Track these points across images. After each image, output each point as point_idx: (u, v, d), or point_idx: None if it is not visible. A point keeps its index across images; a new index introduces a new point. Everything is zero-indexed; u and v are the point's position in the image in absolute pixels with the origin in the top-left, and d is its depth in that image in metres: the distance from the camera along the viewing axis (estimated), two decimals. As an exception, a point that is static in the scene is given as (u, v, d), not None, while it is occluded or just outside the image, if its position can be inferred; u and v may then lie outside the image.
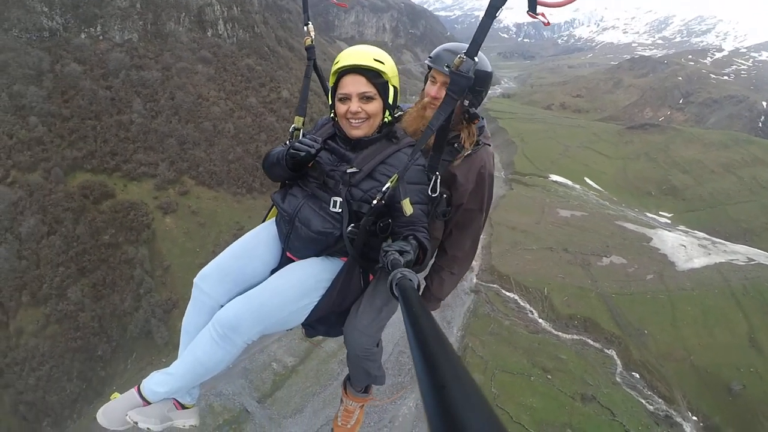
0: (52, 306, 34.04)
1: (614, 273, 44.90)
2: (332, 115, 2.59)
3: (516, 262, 45.98)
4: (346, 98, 2.44)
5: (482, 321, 39.49)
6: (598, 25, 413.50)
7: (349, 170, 2.46)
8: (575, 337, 38.24)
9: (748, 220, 58.81)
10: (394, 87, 2.52)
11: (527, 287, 42.57)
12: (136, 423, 2.43)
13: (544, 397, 32.49)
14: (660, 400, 33.13)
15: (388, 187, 2.29)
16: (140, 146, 46.09)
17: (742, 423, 31.07)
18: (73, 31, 50.52)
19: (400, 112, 2.80)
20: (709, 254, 49.23)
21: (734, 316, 38.91)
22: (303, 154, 2.36)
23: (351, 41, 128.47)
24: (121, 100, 48.05)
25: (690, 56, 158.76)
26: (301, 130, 2.82)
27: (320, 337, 3.03)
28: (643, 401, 32.90)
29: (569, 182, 69.27)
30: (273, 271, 2.63)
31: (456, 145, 2.76)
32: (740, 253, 49.87)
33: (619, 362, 36.03)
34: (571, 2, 1.96)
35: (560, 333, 38.58)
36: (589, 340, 37.87)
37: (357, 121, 2.46)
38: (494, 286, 43.52)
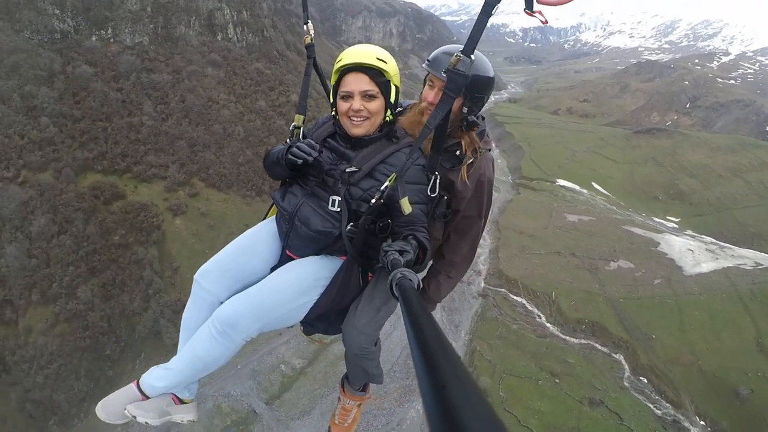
0: (62, 305, 34.16)
1: (622, 277, 44.93)
2: (333, 113, 2.61)
3: (524, 267, 46.08)
4: (348, 96, 2.44)
5: (490, 325, 39.58)
6: (605, 29, 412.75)
7: (348, 169, 2.47)
8: (583, 341, 38.30)
9: (755, 225, 58.51)
10: (396, 86, 2.53)
11: (535, 291, 42.60)
12: (135, 417, 2.45)
13: (551, 401, 32.55)
14: (668, 404, 33.17)
15: (386, 186, 2.30)
16: (151, 148, 46.42)
17: (750, 427, 31.05)
18: (84, 33, 51.01)
19: (399, 108, 2.81)
20: (717, 259, 49.25)
21: (742, 320, 38.85)
22: (300, 162, 2.39)
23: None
24: (131, 102, 48.45)
25: (696, 60, 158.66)
26: (302, 129, 2.83)
27: (328, 338, 3.08)
28: (651, 406, 32.94)
29: (576, 187, 69.33)
30: (273, 269, 2.63)
31: (458, 153, 2.72)
32: (748, 257, 49.82)
33: (626, 367, 36.09)
34: (568, 1, 1.95)
35: (568, 337, 38.63)
36: (596, 345, 37.94)
37: (358, 119, 2.46)
38: (502, 290, 43.64)
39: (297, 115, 2.79)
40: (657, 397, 33.72)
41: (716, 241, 54.84)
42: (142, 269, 38.40)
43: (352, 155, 2.52)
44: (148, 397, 2.53)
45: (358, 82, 2.41)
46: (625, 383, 34.73)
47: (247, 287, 2.48)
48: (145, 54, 52.79)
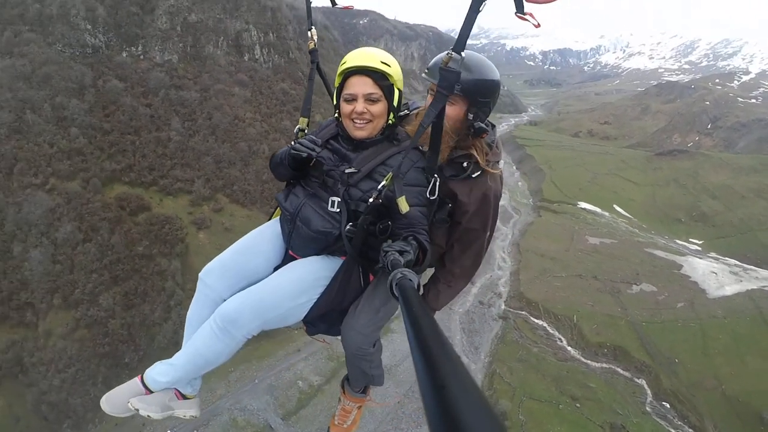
0: (83, 311, 34.68)
1: (644, 301, 44.29)
2: (336, 115, 2.60)
3: (545, 290, 45.72)
4: (351, 98, 2.45)
5: (510, 348, 39.24)
6: (624, 51, 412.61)
7: (347, 170, 2.47)
8: (605, 365, 37.71)
9: (780, 246, 57.25)
10: (399, 90, 2.53)
11: (556, 314, 42.16)
12: (137, 410, 2.49)
13: (572, 426, 32.06)
14: (690, 430, 32.46)
15: (383, 186, 2.30)
16: (177, 163, 47.48)
17: (774, 452, 30.13)
18: (115, 49, 52.82)
19: (406, 111, 2.81)
20: (741, 281, 48.44)
21: (766, 343, 38.05)
22: (304, 155, 2.40)
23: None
24: (160, 118, 49.79)
25: (717, 80, 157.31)
26: (306, 131, 2.85)
27: (329, 338, 3.05)
28: (674, 431, 32.24)
29: (598, 209, 68.82)
30: (277, 269, 2.64)
31: (465, 164, 2.64)
32: (772, 279, 48.71)
33: (649, 391, 35.42)
34: None
35: (589, 361, 38.06)
36: (618, 369, 37.32)
37: (361, 122, 2.47)
38: (523, 312, 43.32)
39: (301, 118, 2.84)
40: (680, 423, 33.01)
41: (740, 263, 53.81)
42: (165, 280, 38.92)
43: (353, 157, 2.54)
44: (151, 392, 2.58)
45: (361, 85, 2.42)
46: (647, 408, 34.11)
47: (250, 286, 2.51)
48: (174, 71, 54.42)
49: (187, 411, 2.70)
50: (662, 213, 69.95)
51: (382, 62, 2.42)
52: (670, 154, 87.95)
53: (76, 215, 38.58)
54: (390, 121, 2.56)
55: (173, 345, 35.98)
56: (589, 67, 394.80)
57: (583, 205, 69.78)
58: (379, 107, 2.45)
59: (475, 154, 2.62)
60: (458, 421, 0.53)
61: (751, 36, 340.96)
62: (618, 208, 70.23)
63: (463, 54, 2.09)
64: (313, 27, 2.97)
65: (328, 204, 2.47)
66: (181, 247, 41.50)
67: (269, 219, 2.97)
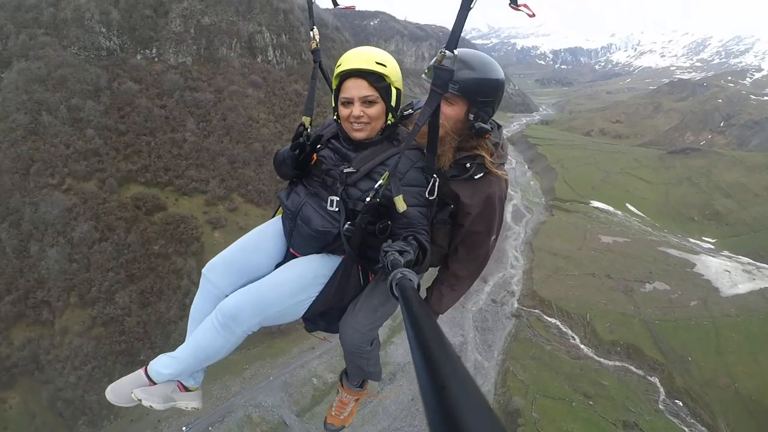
0: (99, 309, 35.24)
1: (657, 299, 44.14)
2: (335, 117, 2.59)
3: (558, 288, 45.72)
4: (348, 102, 2.41)
5: (523, 345, 39.33)
6: (635, 49, 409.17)
7: (346, 170, 2.47)
8: (618, 363, 37.68)
9: (793, 244, 56.70)
10: (397, 89, 2.49)
11: (569, 313, 42.15)
12: (140, 400, 2.54)
13: (585, 423, 32.14)
14: (703, 428, 32.45)
15: (380, 185, 2.27)
16: (192, 163, 48.06)
17: (788, 451, 29.99)
18: (130, 51, 53.46)
19: (410, 111, 2.77)
20: (754, 279, 48.14)
21: (780, 342, 37.69)
22: (303, 140, 2.46)
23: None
24: (174, 119, 50.42)
25: (729, 78, 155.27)
26: (309, 129, 2.79)
27: (328, 335, 3.08)
28: (686, 429, 32.30)
29: (611, 208, 68.58)
30: (278, 266, 2.66)
31: (468, 164, 2.59)
32: (786, 277, 48.31)
33: (662, 389, 35.43)
34: None
35: (602, 359, 38.05)
36: (631, 367, 37.31)
37: (359, 125, 2.44)
38: (536, 311, 43.39)
39: (304, 117, 2.76)
40: (692, 421, 33.00)
41: (753, 262, 53.50)
42: (180, 279, 39.41)
43: (353, 156, 2.53)
44: (154, 383, 2.62)
45: (357, 88, 2.38)
46: (660, 406, 34.13)
47: (251, 282, 2.53)
48: (188, 73, 55.03)
49: (189, 403, 2.75)
50: (675, 211, 69.55)
51: (378, 63, 2.36)
52: (683, 152, 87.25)
53: (92, 215, 39.14)
54: (389, 122, 2.53)
55: (188, 342, 36.45)
56: (600, 65, 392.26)
57: (595, 203, 69.51)
58: (376, 109, 2.42)
59: (482, 153, 2.58)
60: (458, 421, 0.53)
61: (764, 33, 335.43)
62: (631, 207, 69.97)
63: (456, 52, 2.05)
64: (315, 27, 2.89)
65: (327, 203, 2.49)
66: (197, 246, 42.01)
67: (273, 216, 2.98)
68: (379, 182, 2.27)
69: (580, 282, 46.58)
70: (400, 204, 2.24)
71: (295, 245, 2.64)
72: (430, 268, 2.72)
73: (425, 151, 2.42)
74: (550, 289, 45.50)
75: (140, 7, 54.67)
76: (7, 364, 32.75)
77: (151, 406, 2.55)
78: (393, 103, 2.48)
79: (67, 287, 35.41)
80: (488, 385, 36.33)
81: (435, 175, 2.46)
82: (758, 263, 52.91)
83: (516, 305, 44.49)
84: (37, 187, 38.84)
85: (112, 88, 48.80)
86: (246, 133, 53.22)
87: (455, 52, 2.05)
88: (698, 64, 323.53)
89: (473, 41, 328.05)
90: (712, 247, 59.95)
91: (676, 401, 34.42)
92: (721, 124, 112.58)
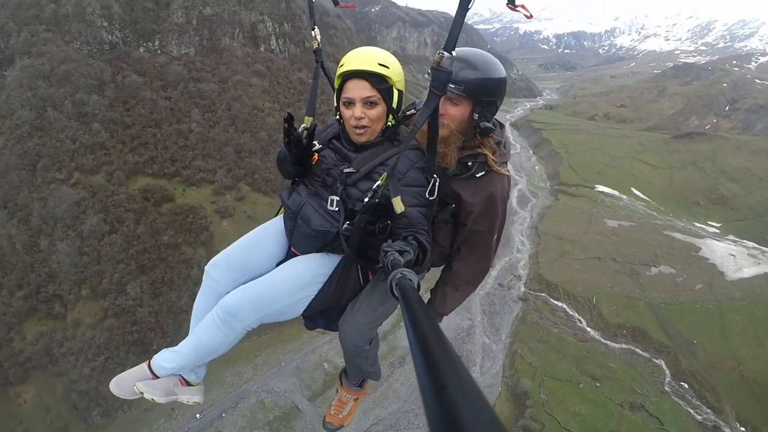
0: (111, 300, 35.53)
1: (663, 283, 44.42)
2: (337, 117, 2.58)
3: (564, 272, 46.07)
4: (349, 103, 2.41)
5: (531, 329, 39.79)
6: (639, 33, 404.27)
7: (345, 170, 2.48)
8: (624, 346, 38.12)
9: (798, 228, 56.77)
10: (399, 91, 2.48)
11: (575, 296, 42.54)
12: (142, 394, 2.57)
13: (592, 405, 32.70)
14: (708, 410, 32.88)
15: (378, 185, 2.28)
16: (199, 153, 48.24)
17: (792, 434, 30.41)
18: (132, 45, 53.30)
19: (412, 110, 2.72)
20: (759, 263, 48.41)
21: (784, 325, 37.93)
22: (297, 131, 2.43)
23: (394, 56, 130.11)
24: (180, 110, 50.47)
25: (734, 61, 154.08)
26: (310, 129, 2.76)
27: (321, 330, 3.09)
28: (692, 411, 32.75)
29: (616, 192, 68.69)
30: (279, 264, 2.68)
31: (470, 163, 2.60)
32: (791, 262, 48.45)
33: (667, 372, 35.87)
34: None
35: (609, 342, 38.47)
36: (637, 350, 37.75)
37: (360, 129, 2.46)
38: (542, 294, 43.76)
39: (306, 117, 2.75)
40: (698, 403, 33.47)
41: (758, 246, 53.67)
42: (190, 268, 39.67)
43: (354, 157, 2.54)
44: (157, 377, 2.66)
45: (359, 89, 2.38)
46: (666, 388, 34.59)
47: (252, 280, 2.56)
48: (191, 64, 54.87)
49: (190, 397, 2.80)
50: (680, 196, 69.53)
51: (380, 64, 2.35)
52: (688, 136, 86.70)
53: (101, 207, 39.33)
54: (390, 123, 2.53)
55: (200, 332, 36.90)
56: (604, 49, 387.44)
57: (600, 188, 69.64)
58: (378, 110, 2.42)
59: (484, 152, 2.59)
60: (458, 421, 0.53)
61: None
62: (636, 191, 70.04)
63: (456, 52, 2.00)
64: (316, 27, 2.91)
65: (327, 203, 2.50)
66: (206, 236, 42.30)
67: (275, 215, 2.99)
68: (378, 183, 2.29)
69: (586, 266, 46.90)
70: (398, 205, 2.26)
71: (296, 244, 2.67)
72: (432, 268, 2.82)
73: (426, 151, 2.42)
74: (556, 273, 45.84)
75: (141, 0, 54.29)
76: (21, 359, 33.20)
77: (152, 399, 2.62)
78: (394, 105, 2.49)
79: (78, 280, 35.72)
80: (496, 367, 36.84)
81: (435, 175, 2.46)
82: (763, 247, 53.09)
83: (523, 289, 44.88)
84: (45, 183, 39.03)
85: (116, 81, 48.74)
86: (251, 122, 53.19)
87: (455, 52, 2.00)
88: (703, 47, 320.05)
89: (475, 26, 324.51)
90: (717, 231, 60.06)
91: (682, 383, 34.85)
92: (726, 109, 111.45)
